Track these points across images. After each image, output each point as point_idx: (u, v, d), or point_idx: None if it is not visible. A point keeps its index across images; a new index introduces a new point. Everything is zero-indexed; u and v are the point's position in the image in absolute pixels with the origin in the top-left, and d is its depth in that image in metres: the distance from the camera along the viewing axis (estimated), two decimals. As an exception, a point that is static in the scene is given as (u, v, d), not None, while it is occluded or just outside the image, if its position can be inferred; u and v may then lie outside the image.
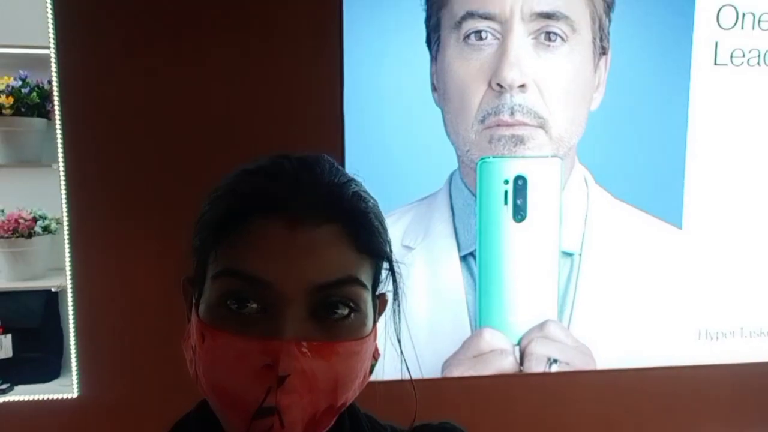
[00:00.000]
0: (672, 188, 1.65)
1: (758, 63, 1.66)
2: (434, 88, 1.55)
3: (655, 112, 1.63)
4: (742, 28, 1.64)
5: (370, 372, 0.45)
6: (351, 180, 0.43)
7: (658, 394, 1.69)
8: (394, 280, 0.45)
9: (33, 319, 1.71)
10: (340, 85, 1.52)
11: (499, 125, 1.57)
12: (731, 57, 1.65)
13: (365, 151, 1.52)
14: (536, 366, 1.59)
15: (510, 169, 1.59)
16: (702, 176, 1.65)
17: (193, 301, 0.43)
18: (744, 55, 1.65)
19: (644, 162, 1.64)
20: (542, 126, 1.58)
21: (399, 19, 1.52)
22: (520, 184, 1.60)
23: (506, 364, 1.59)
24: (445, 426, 0.53)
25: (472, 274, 1.60)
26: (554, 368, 1.60)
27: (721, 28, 1.63)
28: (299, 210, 0.39)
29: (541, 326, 1.61)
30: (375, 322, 0.43)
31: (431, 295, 1.60)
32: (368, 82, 1.53)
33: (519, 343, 1.61)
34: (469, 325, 1.61)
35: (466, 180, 1.59)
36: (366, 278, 0.41)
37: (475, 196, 1.59)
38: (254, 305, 0.38)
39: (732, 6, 1.63)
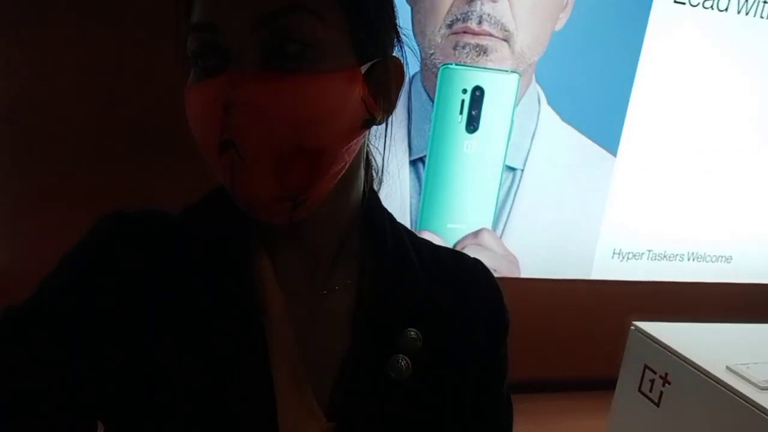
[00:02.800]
0: (615, 118, 1.85)
1: (711, 7, 1.83)
2: (407, -17, 1.58)
3: (613, 41, 1.78)
4: (704, -32, 1.80)
5: (363, 127, 0.44)
6: None
7: (570, 301, 1.99)
8: (385, 33, 0.45)
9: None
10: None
11: (465, 32, 1.64)
12: (691, -4, 1.81)
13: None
14: (467, 270, 1.81)
15: (470, 78, 1.69)
16: (644, 111, 1.85)
17: None
18: (701, -4, 1.82)
19: (594, 88, 1.80)
20: (507, 39, 1.68)
21: None
22: (477, 95, 1.71)
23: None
24: (477, 264, 0.58)
25: (419, 178, 1.74)
26: (483, 274, 1.83)
27: (686, -34, 1.77)
28: None
29: (476, 234, 1.81)
30: (357, 67, 0.43)
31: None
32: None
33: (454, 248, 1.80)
34: (409, 226, 1.77)
35: (426, 84, 1.67)
36: (322, 10, 0.41)
37: (433, 102, 1.69)
38: (213, 55, 0.41)
39: (698, -56, 1.77)
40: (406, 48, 0.49)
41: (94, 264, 0.45)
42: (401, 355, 0.47)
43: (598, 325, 2.01)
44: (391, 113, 0.48)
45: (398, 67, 0.47)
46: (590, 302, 2.00)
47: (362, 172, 0.51)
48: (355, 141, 0.44)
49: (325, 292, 0.49)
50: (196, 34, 0.42)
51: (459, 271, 0.55)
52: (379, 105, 0.45)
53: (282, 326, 0.46)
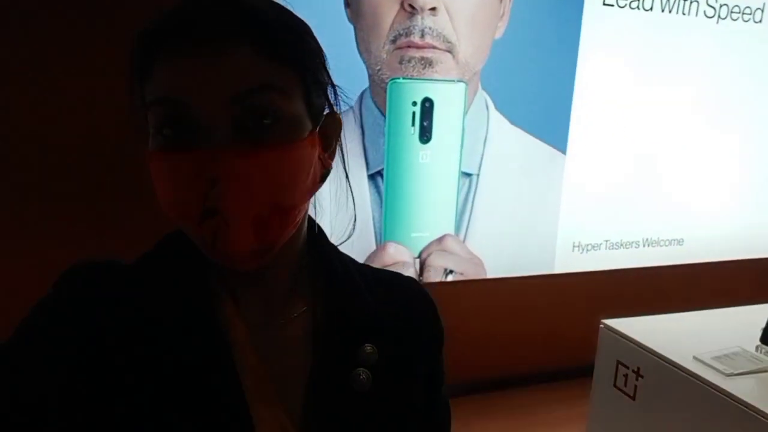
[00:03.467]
0: (560, 117, 1.95)
1: (637, 7, 1.96)
2: (347, 4, 1.64)
3: (551, 45, 1.88)
4: (627, -29, 1.93)
5: (322, 180, 0.52)
6: (267, 2, 0.48)
7: (535, 298, 2.07)
8: (325, 93, 0.51)
9: None
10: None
11: (409, 47, 1.72)
12: (617, -1, 1.93)
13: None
14: (434, 276, 1.86)
15: (418, 91, 1.77)
16: (586, 107, 1.96)
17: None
18: (627, -2, 1.95)
19: (537, 90, 1.90)
20: (450, 50, 1.77)
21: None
22: (427, 107, 1.79)
23: (407, 275, 1.84)
24: (412, 282, 0.64)
25: (378, 192, 1.80)
26: (450, 278, 1.89)
27: (611, -31, 1.90)
28: (204, 31, 0.44)
29: (440, 240, 1.87)
30: (314, 131, 0.48)
31: (337, 214, 1.77)
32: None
33: (419, 256, 1.86)
34: (374, 239, 1.82)
35: (376, 99, 1.74)
36: (287, 87, 0.46)
37: (385, 116, 1.76)
38: (183, 127, 0.44)
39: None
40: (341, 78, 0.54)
41: (62, 315, 0.48)
42: (361, 368, 0.53)
43: (565, 317, 2.09)
44: (333, 159, 0.54)
45: (338, 120, 0.54)
46: (555, 296, 2.09)
47: (306, 211, 0.57)
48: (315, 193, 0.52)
49: (283, 321, 0.54)
50: (162, 107, 0.45)
51: (398, 289, 0.61)
52: (328, 156, 0.52)
53: (248, 353, 0.51)
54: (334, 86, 0.53)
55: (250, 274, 0.50)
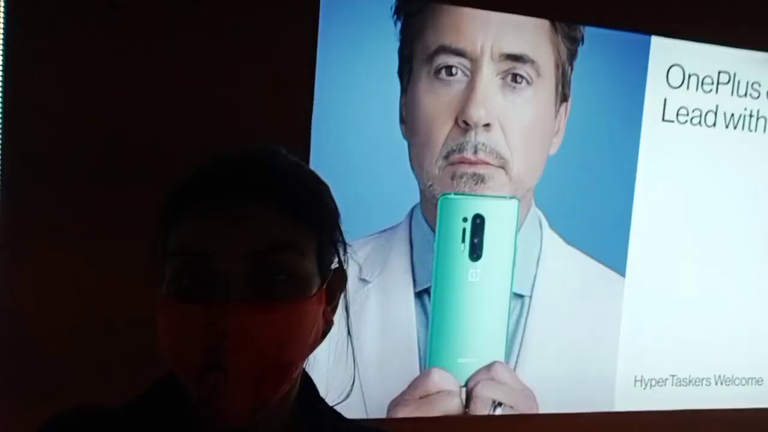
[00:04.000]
0: (619, 237, 1.85)
1: (699, 123, 1.91)
2: (402, 120, 1.63)
3: (607, 161, 1.82)
4: (687, 88, 1.89)
5: (323, 336, 0.54)
6: (291, 163, 0.53)
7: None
8: (337, 251, 0.54)
9: None
10: (308, 110, 1.55)
11: (462, 162, 1.68)
12: (677, 114, 1.89)
13: (330, 179, 1.56)
14: (481, 409, 1.71)
15: (469, 207, 1.70)
16: (647, 228, 1.86)
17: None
18: (688, 114, 1.90)
19: (594, 208, 1.82)
20: (503, 166, 1.72)
21: (373, 47, 1.59)
22: (478, 223, 1.71)
23: (452, 405, 1.70)
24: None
25: (425, 311, 1.69)
26: (498, 411, 1.73)
27: (670, 86, 1.87)
28: (231, 190, 0.48)
29: (489, 368, 1.73)
30: (322, 288, 0.52)
31: (383, 332, 1.67)
32: (337, 110, 1.58)
33: (466, 385, 1.72)
34: (418, 363, 1.69)
35: (426, 215, 1.68)
36: (303, 246, 0.49)
37: (434, 232, 1.69)
38: (198, 279, 0.47)
39: (679, 66, 1.87)
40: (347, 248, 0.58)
41: None
42: None
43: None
44: (334, 314, 0.57)
45: (344, 275, 0.57)
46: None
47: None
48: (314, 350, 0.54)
49: None
50: (182, 258, 0.48)
51: None
52: (330, 311, 0.55)
53: None
54: (345, 244, 0.56)
55: (239, 428, 0.50)
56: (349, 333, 0.60)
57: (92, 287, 1.47)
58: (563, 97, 1.77)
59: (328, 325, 0.54)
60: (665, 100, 1.87)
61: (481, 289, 1.73)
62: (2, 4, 1.39)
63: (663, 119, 1.87)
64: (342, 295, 0.57)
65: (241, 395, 0.46)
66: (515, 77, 1.70)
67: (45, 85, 1.43)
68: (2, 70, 1.40)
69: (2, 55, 1.40)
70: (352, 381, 0.63)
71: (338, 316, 0.58)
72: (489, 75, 1.66)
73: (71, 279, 1.46)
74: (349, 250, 0.57)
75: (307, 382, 0.59)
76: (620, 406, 1.86)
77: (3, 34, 1.39)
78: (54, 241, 1.45)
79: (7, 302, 1.44)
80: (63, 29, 1.43)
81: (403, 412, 1.67)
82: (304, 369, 0.58)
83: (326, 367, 0.62)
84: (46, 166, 1.45)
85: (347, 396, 0.64)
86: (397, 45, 1.60)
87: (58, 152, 1.46)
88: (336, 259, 0.55)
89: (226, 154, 0.52)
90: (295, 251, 0.48)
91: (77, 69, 1.44)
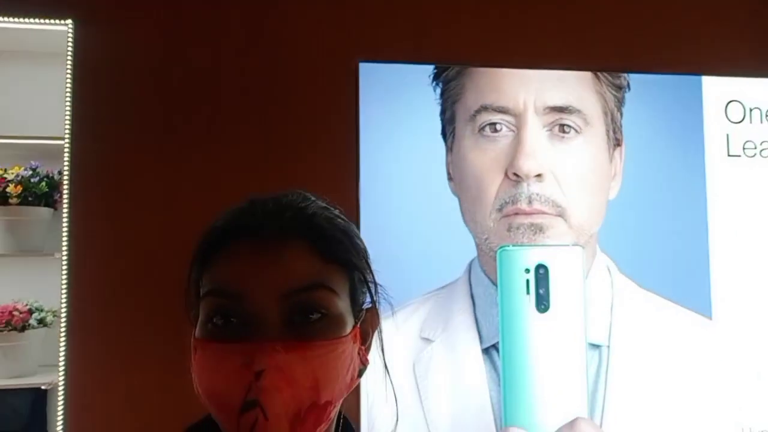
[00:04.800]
0: (698, 277, 1.77)
1: (769, 155, 1.85)
2: (450, 178, 1.71)
3: (673, 200, 1.79)
4: (750, 122, 1.85)
5: (359, 376, 0.54)
6: (322, 206, 0.55)
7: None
8: (369, 289, 0.56)
9: (17, 421, 1.73)
10: (356, 176, 1.67)
11: (517, 213, 1.71)
12: (743, 148, 1.84)
13: (382, 241, 1.64)
14: (568, 470, 1.62)
15: (530, 257, 1.68)
16: (727, 264, 1.77)
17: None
18: (756, 147, 1.84)
19: (667, 250, 1.77)
20: (561, 215, 1.73)
21: (414, 111, 1.70)
22: (541, 273, 1.69)
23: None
24: None
25: (495, 368, 1.67)
26: (587, 473, 1.63)
27: (730, 121, 1.84)
28: (266, 232, 0.50)
29: (571, 424, 1.62)
30: (356, 326, 0.53)
31: (452, 391, 1.65)
32: (384, 173, 1.68)
33: (548, 444, 1.64)
34: (493, 423, 1.65)
35: (485, 268, 1.70)
36: (336, 285, 0.51)
37: (496, 285, 1.69)
38: (234, 319, 0.48)
39: (738, 102, 1.85)
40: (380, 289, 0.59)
41: None
42: None
43: None
44: (368, 353, 0.58)
45: (376, 316, 0.58)
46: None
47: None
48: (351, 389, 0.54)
49: None
50: (218, 298, 0.49)
51: None
52: (365, 350, 0.56)
53: None
54: (376, 284, 0.57)
55: None
56: (386, 368, 0.60)
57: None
58: (616, 142, 1.78)
59: (363, 364, 0.55)
60: (728, 135, 1.84)
61: (552, 342, 1.68)
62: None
63: (728, 154, 1.83)
64: (376, 335, 0.58)
65: None
66: (562, 127, 1.74)
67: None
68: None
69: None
70: (396, 420, 0.65)
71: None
72: (535, 128, 1.71)
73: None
74: (381, 290, 0.58)
75: (345, 423, 0.60)
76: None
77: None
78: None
79: None
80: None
81: (482, 477, 1.62)
82: (341, 410, 0.58)
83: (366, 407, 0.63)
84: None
85: None
86: (438, 108, 1.71)
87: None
88: (367, 299, 0.56)
89: (259, 197, 0.54)
90: (329, 290, 0.50)
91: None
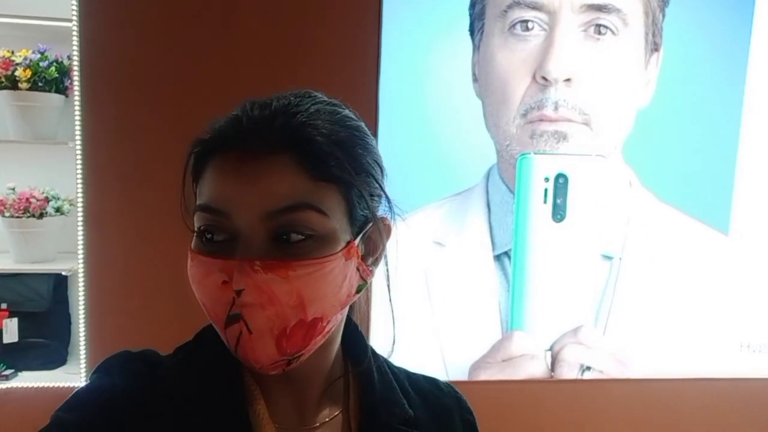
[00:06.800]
0: (720, 192, 1.78)
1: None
2: (475, 79, 1.67)
3: (707, 113, 1.76)
4: (803, 27, 1.77)
5: (357, 292, 0.54)
6: (325, 110, 0.51)
7: (694, 406, 1.84)
8: (368, 206, 0.53)
9: (40, 303, 1.85)
10: (376, 75, 1.64)
11: (542, 120, 1.69)
12: (789, 62, 1.77)
13: (400, 143, 1.65)
14: (568, 373, 1.74)
15: (551, 166, 1.72)
16: (753, 181, 1.78)
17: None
18: (804, 56, 1.77)
19: (692, 164, 1.77)
20: (587, 123, 1.71)
21: (440, 4, 1.64)
22: (561, 183, 1.73)
23: (537, 369, 1.74)
24: (450, 388, 0.67)
25: (506, 274, 1.74)
26: (587, 375, 1.75)
27: (782, 27, 1.75)
28: (249, 144, 0.48)
29: (575, 332, 1.75)
30: (351, 242, 0.52)
31: (462, 296, 1.74)
32: (406, 70, 1.65)
33: (551, 349, 1.75)
34: (500, 327, 1.75)
35: (504, 176, 1.72)
36: (326, 204, 0.49)
37: (513, 193, 1.72)
38: (221, 235, 0.49)
39: (794, 4, 1.75)
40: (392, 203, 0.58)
41: (97, 408, 0.51)
42: None
43: (736, 427, 1.83)
44: (377, 265, 0.57)
45: (387, 226, 0.56)
46: (716, 405, 1.84)
47: (345, 316, 0.58)
48: (349, 304, 0.54)
49: (315, 425, 0.57)
50: (206, 214, 0.50)
51: (436, 395, 0.64)
52: (369, 266, 0.55)
53: None
54: (386, 196, 0.56)
55: (279, 376, 0.53)
56: (388, 288, 0.59)
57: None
58: (654, 47, 1.72)
59: (364, 279, 0.55)
60: (776, 42, 1.76)
61: (565, 251, 1.74)
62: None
63: (774, 65, 1.77)
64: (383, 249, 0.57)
65: (265, 347, 0.49)
66: (598, 28, 1.67)
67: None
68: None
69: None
70: (393, 343, 0.64)
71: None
72: (569, 27, 1.65)
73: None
74: (394, 206, 0.57)
75: (353, 334, 0.61)
76: (723, 372, 1.81)
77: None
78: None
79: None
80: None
81: (485, 375, 1.74)
82: (351, 320, 0.61)
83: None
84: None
85: (389, 356, 0.64)
86: (467, 1, 1.64)
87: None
88: (369, 213, 0.54)
89: (252, 102, 0.52)
90: (316, 210, 0.48)
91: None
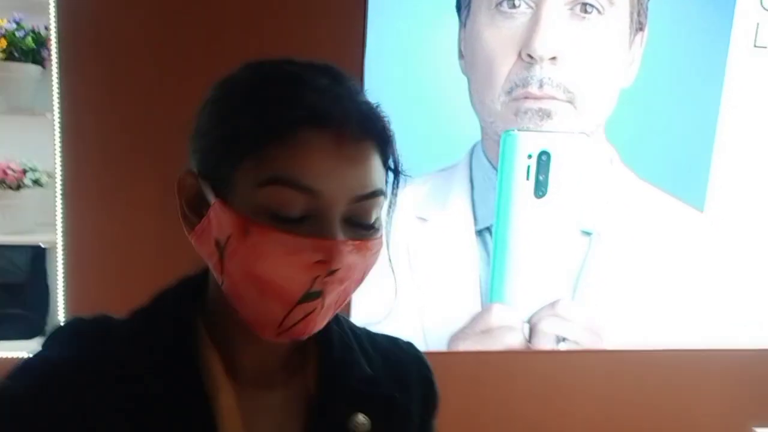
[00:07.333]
0: (697, 171, 1.84)
1: (796, 46, 1.82)
2: (461, 55, 1.68)
3: (688, 93, 1.79)
4: (786, 9, 1.80)
5: None
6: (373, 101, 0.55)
7: (664, 376, 1.93)
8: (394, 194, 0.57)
9: (18, 275, 1.85)
10: (361, 45, 1.63)
11: (526, 98, 1.71)
12: (771, 38, 1.81)
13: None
14: (545, 344, 1.81)
15: (534, 143, 1.75)
16: (729, 161, 1.83)
17: (212, 195, 0.51)
18: (785, 37, 1.81)
19: (672, 143, 1.81)
20: (571, 101, 1.74)
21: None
22: (543, 160, 1.76)
23: (514, 340, 1.80)
24: (410, 346, 0.70)
25: (486, 248, 1.78)
26: (562, 346, 1.83)
27: (765, 9, 1.78)
28: (344, 124, 0.48)
29: (553, 304, 1.82)
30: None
31: (444, 269, 1.78)
32: (391, 46, 1.64)
33: (529, 321, 1.82)
34: (479, 300, 1.80)
35: (488, 153, 1.74)
36: (385, 190, 0.54)
37: (497, 171, 1.75)
38: (307, 214, 0.49)
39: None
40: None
41: (46, 378, 0.51)
42: None
43: (703, 397, 1.94)
44: None
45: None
46: (691, 375, 1.94)
47: None
48: None
49: (276, 384, 0.58)
50: (291, 191, 0.48)
51: (396, 353, 0.67)
52: None
53: (233, 418, 0.54)
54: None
55: (251, 341, 0.54)
56: (390, 260, 0.60)
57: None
58: (639, 26, 1.74)
59: None
60: (758, 24, 1.80)
61: (545, 227, 1.79)
62: None
63: (755, 45, 1.80)
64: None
65: (322, 321, 0.53)
66: (585, 6, 1.69)
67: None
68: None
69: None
70: (395, 292, 0.69)
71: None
72: (555, 5, 1.66)
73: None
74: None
75: None
76: (692, 344, 1.90)
77: None
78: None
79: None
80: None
81: (463, 345, 1.80)
82: None
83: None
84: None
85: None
86: (455, -23, 1.64)
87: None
88: (393, 197, 0.58)
89: (327, 71, 0.52)
90: (383, 195, 0.53)
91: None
